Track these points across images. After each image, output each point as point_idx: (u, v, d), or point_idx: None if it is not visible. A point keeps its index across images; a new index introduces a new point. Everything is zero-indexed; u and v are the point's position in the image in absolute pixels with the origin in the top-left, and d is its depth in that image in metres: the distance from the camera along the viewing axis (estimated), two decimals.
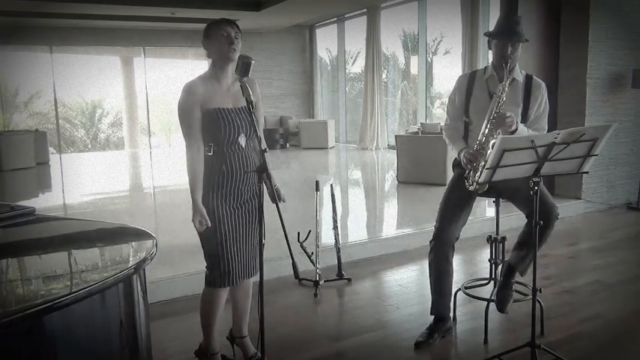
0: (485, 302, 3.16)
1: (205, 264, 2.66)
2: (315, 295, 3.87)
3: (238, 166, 2.58)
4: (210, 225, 2.52)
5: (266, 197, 2.52)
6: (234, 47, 2.50)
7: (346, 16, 13.92)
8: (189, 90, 2.51)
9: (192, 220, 2.51)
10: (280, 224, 2.48)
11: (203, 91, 2.52)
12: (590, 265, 4.56)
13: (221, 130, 2.51)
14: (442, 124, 3.37)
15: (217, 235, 2.55)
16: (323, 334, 3.28)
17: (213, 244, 2.57)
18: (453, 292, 3.27)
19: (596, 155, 2.57)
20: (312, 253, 4.07)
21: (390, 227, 5.92)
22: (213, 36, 2.51)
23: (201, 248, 2.66)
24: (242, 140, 2.59)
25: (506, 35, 2.88)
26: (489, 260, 3.27)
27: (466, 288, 3.48)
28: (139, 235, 2.11)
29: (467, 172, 2.92)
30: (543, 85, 3.03)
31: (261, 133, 2.57)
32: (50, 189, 9.56)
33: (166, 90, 16.22)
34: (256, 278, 2.65)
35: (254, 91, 2.54)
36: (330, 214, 4.30)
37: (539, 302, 2.98)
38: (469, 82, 3.06)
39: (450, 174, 3.26)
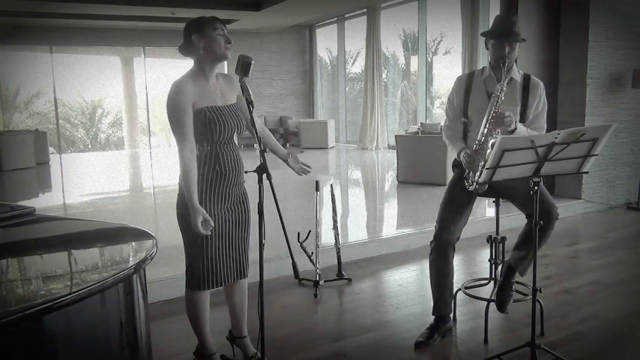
0: (486, 302, 3.16)
1: (185, 265, 2.60)
2: (315, 295, 3.87)
3: (231, 165, 2.55)
4: (213, 225, 2.48)
5: (266, 198, 2.52)
6: (230, 46, 2.48)
7: (346, 16, 13.91)
8: (179, 89, 2.44)
9: (192, 222, 2.41)
10: (280, 224, 2.48)
11: (194, 89, 2.45)
12: (590, 265, 4.56)
13: (217, 129, 2.46)
14: (442, 124, 3.37)
15: (206, 237, 2.49)
16: (323, 334, 3.28)
17: (200, 245, 2.51)
18: (453, 292, 3.27)
19: (596, 155, 2.57)
20: (312, 253, 4.07)
21: (390, 227, 5.92)
22: (208, 34, 2.44)
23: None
24: (236, 139, 2.58)
25: (503, 35, 2.89)
26: (489, 260, 3.28)
27: (466, 288, 3.48)
28: (139, 235, 2.11)
29: (467, 172, 2.92)
30: (541, 84, 3.03)
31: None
32: (50, 189, 9.55)
33: (166, 90, 16.04)
34: (251, 279, 2.64)
35: (238, 91, 2.54)
36: (330, 214, 4.30)
37: (539, 302, 2.97)
38: (467, 83, 3.07)
39: (450, 174, 3.26)
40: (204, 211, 2.44)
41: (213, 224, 2.47)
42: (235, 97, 2.61)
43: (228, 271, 2.61)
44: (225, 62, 2.59)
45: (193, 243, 2.53)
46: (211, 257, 2.54)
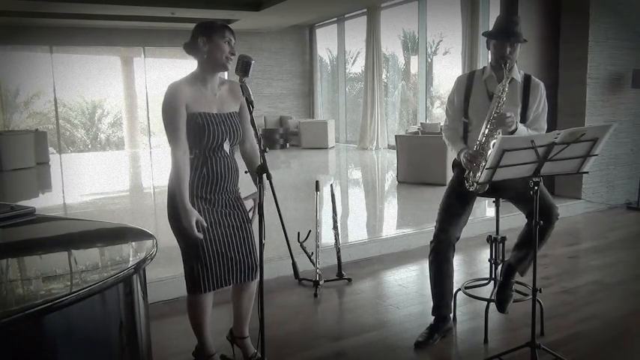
0: (485, 302, 3.16)
1: (183, 269, 2.59)
2: (315, 295, 3.87)
3: (220, 172, 2.54)
4: (205, 225, 2.49)
5: (266, 198, 2.52)
6: (233, 57, 2.49)
7: (346, 16, 13.92)
8: (174, 91, 2.44)
9: (185, 224, 2.42)
10: (280, 224, 2.48)
11: (189, 93, 2.45)
12: (590, 265, 4.56)
13: (205, 136, 2.46)
14: (442, 124, 3.37)
15: (200, 240, 2.48)
16: (323, 334, 3.28)
17: (194, 249, 2.50)
18: (453, 292, 3.28)
19: (596, 155, 2.57)
20: (312, 253, 4.07)
21: (390, 227, 5.91)
22: (215, 41, 2.44)
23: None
24: (227, 146, 2.56)
25: (505, 35, 2.88)
26: (489, 260, 3.28)
27: (466, 288, 3.48)
28: (139, 235, 2.11)
29: (467, 172, 2.92)
30: (542, 84, 3.03)
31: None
32: (50, 189, 9.55)
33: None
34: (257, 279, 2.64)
35: (242, 100, 2.54)
36: (330, 214, 4.30)
37: (539, 302, 2.98)
38: (468, 83, 3.07)
39: (450, 174, 3.26)
40: (197, 212, 2.45)
41: (205, 224, 2.47)
42: (238, 107, 2.61)
43: (228, 272, 2.59)
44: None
45: (187, 247, 2.53)
46: (206, 260, 2.52)
